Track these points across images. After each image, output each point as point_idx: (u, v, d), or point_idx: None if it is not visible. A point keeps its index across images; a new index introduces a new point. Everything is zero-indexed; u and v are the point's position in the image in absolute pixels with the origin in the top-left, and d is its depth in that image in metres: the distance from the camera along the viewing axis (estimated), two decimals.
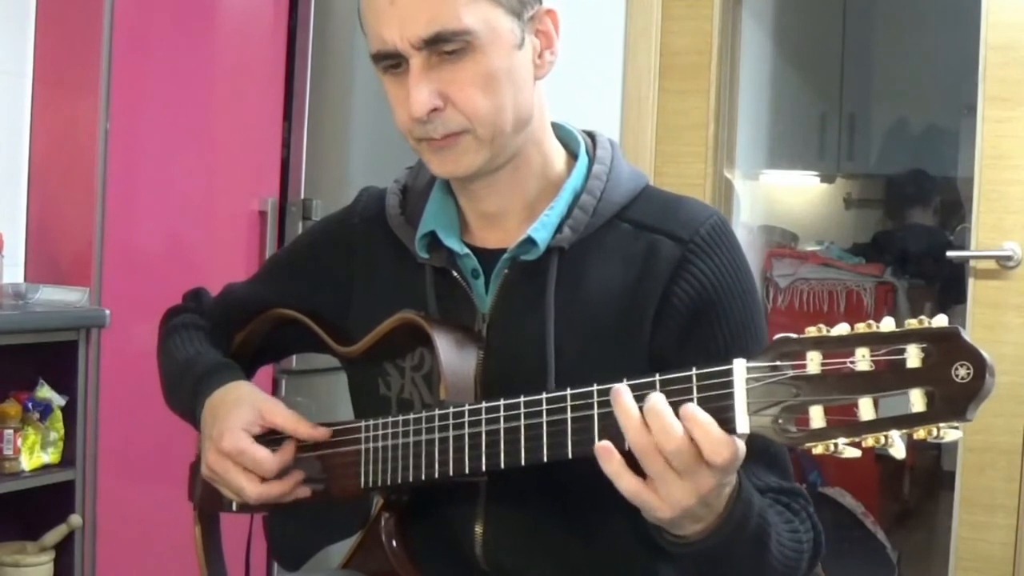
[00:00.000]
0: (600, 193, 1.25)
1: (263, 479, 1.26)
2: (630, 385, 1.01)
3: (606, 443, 1.01)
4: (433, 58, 1.16)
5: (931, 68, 4.83)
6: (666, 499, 0.99)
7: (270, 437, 1.28)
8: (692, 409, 0.97)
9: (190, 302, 1.55)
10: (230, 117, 2.80)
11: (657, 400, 0.99)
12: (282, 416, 1.28)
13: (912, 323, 0.88)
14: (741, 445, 0.99)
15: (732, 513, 1.04)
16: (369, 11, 1.18)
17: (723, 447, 0.96)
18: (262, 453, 1.25)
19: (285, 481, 1.26)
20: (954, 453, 2.75)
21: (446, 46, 1.15)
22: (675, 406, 0.98)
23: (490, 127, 1.18)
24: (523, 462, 1.10)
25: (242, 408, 1.28)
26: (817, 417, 0.91)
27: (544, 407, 1.08)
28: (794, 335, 0.93)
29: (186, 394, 1.37)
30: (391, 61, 1.18)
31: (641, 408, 0.99)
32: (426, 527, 1.29)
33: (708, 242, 1.22)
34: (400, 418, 1.21)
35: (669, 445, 0.97)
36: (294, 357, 2.76)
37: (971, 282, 2.58)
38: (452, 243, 1.27)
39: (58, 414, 2.33)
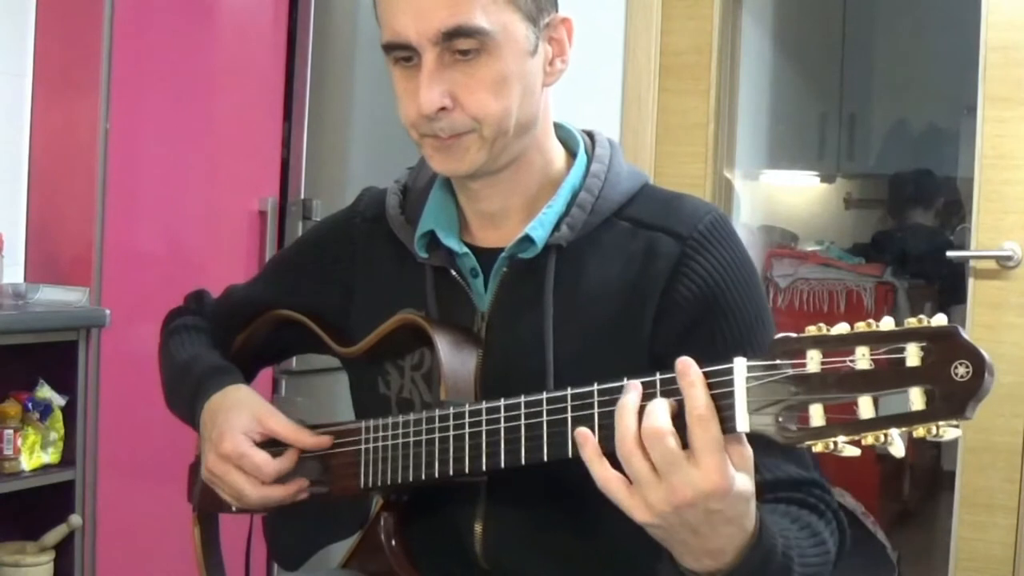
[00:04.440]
0: (598, 191, 1.25)
1: (263, 482, 1.26)
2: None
3: (583, 429, 1.00)
4: (446, 56, 1.15)
5: (931, 68, 4.83)
6: (643, 500, 0.97)
7: (273, 448, 1.28)
8: (687, 362, 0.96)
9: (191, 303, 1.56)
10: (230, 117, 2.80)
11: (657, 404, 0.97)
12: (282, 425, 1.28)
13: (911, 322, 0.88)
14: (740, 480, 0.96)
15: (750, 559, 1.00)
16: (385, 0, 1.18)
17: (708, 419, 0.94)
18: (262, 457, 1.25)
19: (288, 486, 1.27)
20: (954, 453, 2.74)
21: (460, 45, 1.14)
22: (677, 406, 0.97)
23: (494, 128, 1.18)
24: (523, 462, 1.10)
25: (241, 413, 1.28)
26: (817, 415, 0.91)
27: (544, 407, 1.08)
28: (794, 334, 0.93)
29: (185, 397, 1.38)
30: (403, 53, 1.17)
31: (643, 408, 0.98)
32: (426, 527, 1.29)
33: (707, 237, 1.21)
34: (400, 419, 1.21)
35: (653, 440, 0.95)
36: (294, 357, 2.76)
37: (971, 282, 2.58)
38: (451, 242, 1.27)
39: (58, 414, 2.33)
